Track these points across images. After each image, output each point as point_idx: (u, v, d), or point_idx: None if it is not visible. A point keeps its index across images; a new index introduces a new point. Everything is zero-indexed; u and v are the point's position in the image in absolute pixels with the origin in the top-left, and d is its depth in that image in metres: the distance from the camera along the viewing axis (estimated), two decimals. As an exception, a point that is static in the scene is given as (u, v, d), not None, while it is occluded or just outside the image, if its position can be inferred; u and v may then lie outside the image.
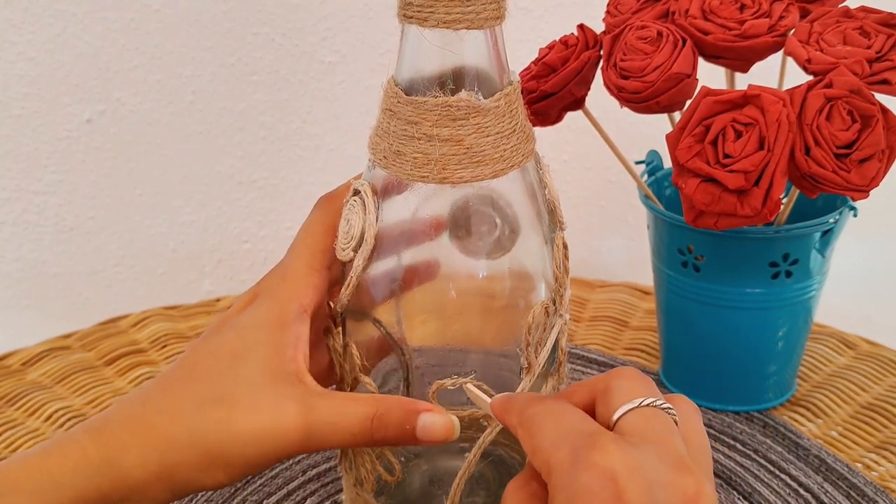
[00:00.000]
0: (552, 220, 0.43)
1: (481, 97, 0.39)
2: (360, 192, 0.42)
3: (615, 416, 0.34)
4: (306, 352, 0.40)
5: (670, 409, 0.35)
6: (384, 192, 0.42)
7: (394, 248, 0.42)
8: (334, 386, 0.46)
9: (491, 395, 0.41)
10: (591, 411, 0.36)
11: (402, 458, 0.46)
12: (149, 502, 0.39)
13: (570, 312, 0.46)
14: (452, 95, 0.39)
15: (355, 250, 0.41)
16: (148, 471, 0.38)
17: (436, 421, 0.40)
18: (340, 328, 0.45)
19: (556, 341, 0.43)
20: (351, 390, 0.45)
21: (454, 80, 0.39)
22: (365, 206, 0.41)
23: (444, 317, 0.43)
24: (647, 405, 0.34)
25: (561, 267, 0.43)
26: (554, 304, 0.43)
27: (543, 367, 0.42)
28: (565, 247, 0.43)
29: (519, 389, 0.42)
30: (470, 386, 0.40)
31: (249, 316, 0.41)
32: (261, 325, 0.40)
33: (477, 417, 0.42)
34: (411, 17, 0.39)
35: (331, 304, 0.44)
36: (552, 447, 0.33)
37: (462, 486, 0.42)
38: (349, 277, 0.42)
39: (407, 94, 0.40)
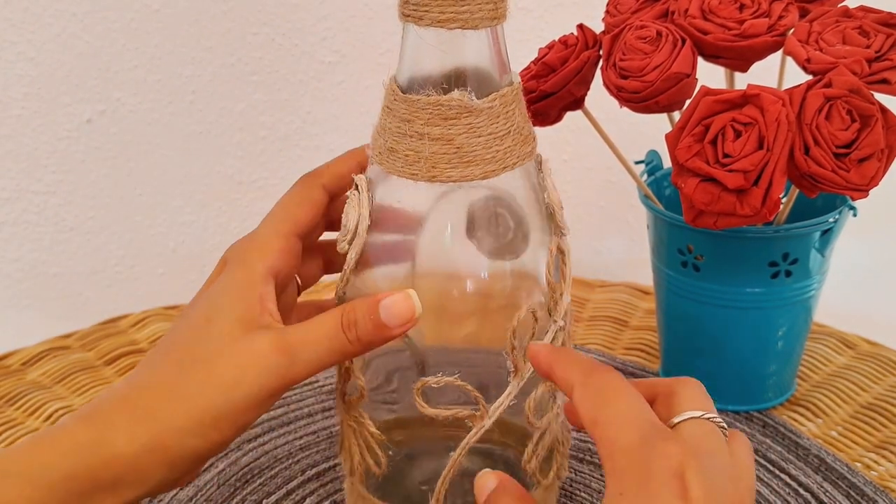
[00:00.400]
0: (551, 224, 0.43)
1: (474, 97, 0.39)
2: (357, 186, 0.42)
3: (676, 420, 0.36)
4: (274, 309, 0.41)
5: (725, 428, 0.36)
6: (385, 185, 0.42)
7: (399, 240, 0.42)
8: None
9: (475, 397, 0.41)
10: None
11: (391, 452, 0.46)
12: (148, 481, 0.39)
13: (570, 318, 0.45)
14: (439, 95, 0.39)
15: (350, 243, 0.42)
16: (138, 443, 0.38)
17: (395, 299, 0.40)
18: None
19: None
20: (344, 383, 0.46)
21: (448, 80, 0.39)
22: (360, 200, 0.42)
23: (447, 316, 0.43)
24: (709, 419, 0.36)
25: (556, 273, 0.43)
26: (548, 310, 0.43)
27: (532, 373, 0.42)
28: (562, 252, 0.43)
29: (506, 393, 0.42)
30: None
31: (219, 283, 0.42)
32: (230, 288, 0.41)
33: (461, 418, 0.42)
34: (409, 16, 0.39)
35: (338, 294, 0.44)
36: (623, 425, 0.34)
37: (446, 485, 0.42)
38: (343, 270, 0.43)
39: (404, 92, 0.40)
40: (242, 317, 0.40)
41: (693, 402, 0.37)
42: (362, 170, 0.44)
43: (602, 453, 0.34)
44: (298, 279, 0.48)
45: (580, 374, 0.37)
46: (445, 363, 0.43)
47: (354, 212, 0.42)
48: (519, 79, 0.42)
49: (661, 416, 0.36)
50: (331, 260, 0.49)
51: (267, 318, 0.40)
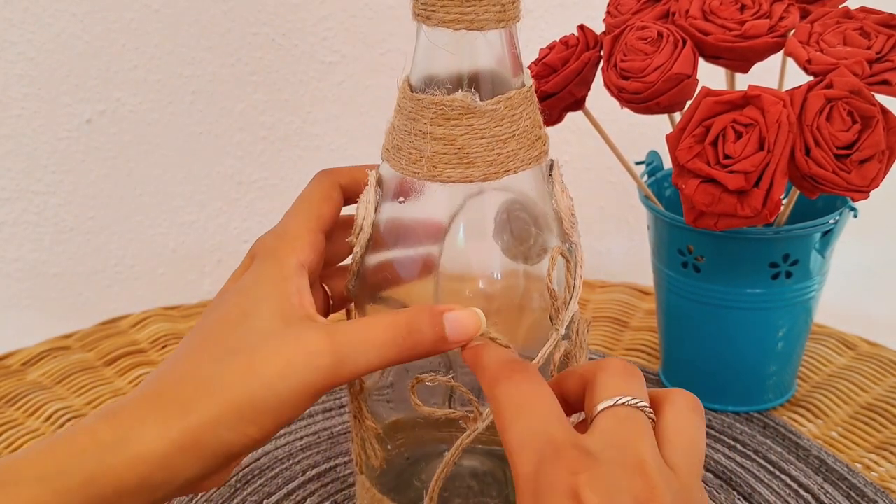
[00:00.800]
0: (558, 231, 0.43)
1: (478, 99, 0.39)
2: (368, 181, 0.43)
3: (595, 412, 0.34)
4: (311, 302, 0.39)
5: (647, 408, 0.34)
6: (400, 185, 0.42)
7: (417, 237, 0.42)
8: None
9: (469, 399, 0.40)
10: (581, 400, 0.36)
11: (389, 447, 0.46)
12: (175, 480, 0.36)
13: (585, 329, 0.44)
14: (448, 95, 0.39)
15: (357, 237, 0.42)
16: (168, 439, 0.35)
17: (462, 314, 0.38)
18: (353, 311, 0.45)
19: (550, 356, 0.42)
20: None
21: (455, 81, 0.39)
22: (368, 195, 0.42)
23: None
24: (623, 404, 0.34)
25: (559, 281, 0.43)
26: (550, 317, 0.43)
27: None
28: (568, 260, 0.43)
29: None
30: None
31: (251, 275, 0.40)
32: (264, 281, 0.39)
33: (455, 418, 0.42)
34: (418, 15, 0.39)
35: (348, 287, 0.44)
36: (519, 448, 0.33)
37: (440, 484, 0.42)
38: (351, 263, 0.43)
39: (413, 91, 0.40)
40: (281, 308, 0.38)
41: (608, 389, 0.35)
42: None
43: (511, 470, 0.33)
44: (328, 289, 0.46)
45: (488, 383, 0.35)
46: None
47: (363, 206, 0.42)
48: (531, 81, 0.42)
49: (588, 410, 0.35)
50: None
51: (305, 309, 0.38)
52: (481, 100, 0.39)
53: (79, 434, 0.35)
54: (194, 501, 0.56)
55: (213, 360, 0.36)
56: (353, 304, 0.46)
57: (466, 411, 0.42)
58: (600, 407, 0.34)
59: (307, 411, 0.64)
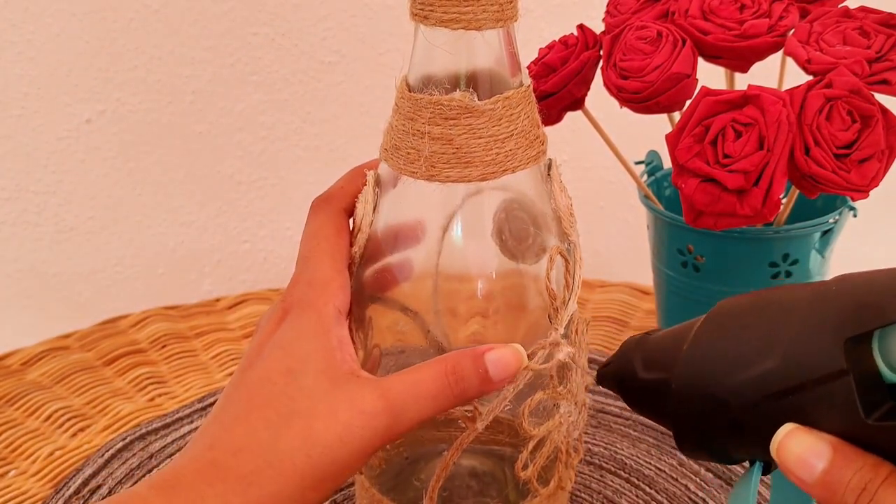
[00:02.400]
0: (557, 230, 0.43)
1: (476, 98, 0.39)
2: (366, 181, 0.43)
3: None
4: (353, 351, 0.39)
5: None
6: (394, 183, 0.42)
7: (415, 237, 0.42)
8: None
9: None
10: None
11: (388, 447, 0.46)
12: None
13: (584, 330, 0.44)
14: (447, 94, 0.39)
15: (356, 237, 0.42)
16: None
17: (503, 353, 0.38)
18: (352, 311, 0.45)
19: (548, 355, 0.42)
20: None
21: (453, 80, 0.39)
22: (366, 196, 0.42)
23: (468, 317, 0.43)
24: None
25: (558, 281, 0.42)
26: (549, 317, 0.43)
27: (530, 378, 0.42)
28: (567, 260, 0.43)
29: (500, 398, 0.42)
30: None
31: (290, 330, 0.39)
32: (306, 335, 0.38)
33: (454, 418, 0.42)
34: (416, 15, 0.39)
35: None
36: None
37: (440, 483, 0.42)
38: (350, 264, 0.43)
39: (411, 91, 0.40)
40: (326, 365, 0.37)
41: None
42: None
43: None
44: None
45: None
46: None
47: (361, 206, 0.42)
48: (530, 81, 0.42)
49: None
50: None
51: (349, 364, 0.38)
52: (479, 99, 0.39)
53: None
54: None
55: (267, 427, 0.36)
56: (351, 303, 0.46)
57: (466, 411, 0.42)
58: None
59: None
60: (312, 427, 0.35)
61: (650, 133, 0.63)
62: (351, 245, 0.43)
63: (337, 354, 0.38)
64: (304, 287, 0.40)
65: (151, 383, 0.69)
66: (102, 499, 0.44)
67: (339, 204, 0.43)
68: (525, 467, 0.44)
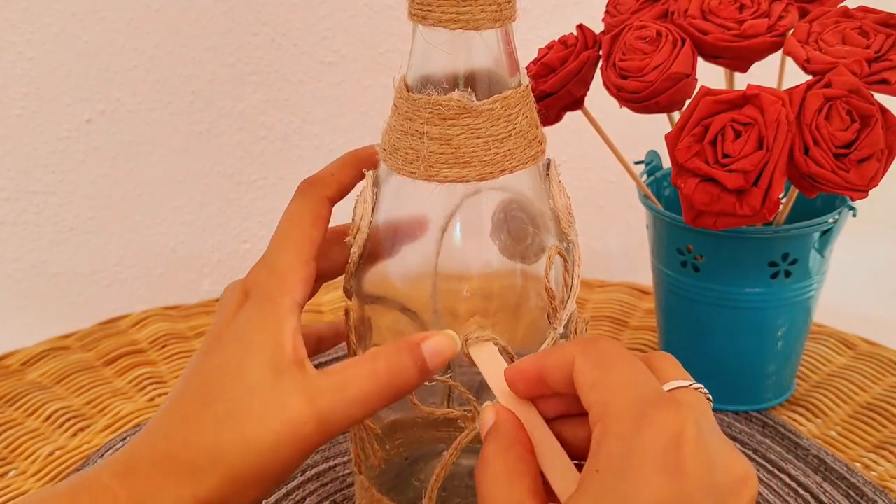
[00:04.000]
0: (555, 230, 0.43)
1: (474, 98, 0.39)
2: (366, 181, 0.43)
3: (666, 388, 0.33)
4: (301, 345, 0.40)
5: (710, 399, 0.34)
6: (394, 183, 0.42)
7: (413, 235, 0.42)
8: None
9: (468, 398, 0.40)
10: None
11: (388, 447, 0.46)
12: None
13: (584, 328, 0.44)
14: (445, 94, 0.39)
15: (355, 238, 0.42)
16: None
17: (438, 341, 0.39)
18: (351, 311, 0.45)
19: None
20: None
21: (452, 80, 0.39)
22: (365, 196, 0.42)
23: (466, 316, 0.43)
24: (695, 388, 0.33)
25: (557, 280, 0.43)
26: (548, 316, 0.43)
27: None
28: (565, 259, 0.43)
29: None
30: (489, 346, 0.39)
31: (246, 321, 0.40)
32: (258, 327, 0.40)
33: (453, 418, 0.42)
34: (414, 15, 0.39)
35: (346, 287, 0.44)
36: (620, 389, 0.31)
37: (439, 483, 0.42)
38: (348, 264, 0.43)
39: (409, 91, 0.40)
40: (273, 359, 0.38)
41: (677, 373, 0.34)
42: (361, 176, 0.44)
43: (591, 420, 0.31)
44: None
45: (578, 346, 0.34)
46: (468, 363, 0.43)
47: (360, 207, 0.42)
48: (528, 81, 0.42)
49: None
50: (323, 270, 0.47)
51: (297, 354, 0.39)
52: (478, 99, 0.39)
53: (99, 495, 0.36)
54: None
55: (214, 423, 0.38)
56: (350, 303, 0.46)
57: (465, 410, 0.42)
58: (676, 384, 0.33)
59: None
60: (247, 432, 0.37)
61: (650, 133, 0.63)
62: (349, 245, 0.43)
63: (287, 345, 0.39)
64: (265, 274, 0.41)
65: (151, 383, 0.69)
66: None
67: (325, 191, 0.43)
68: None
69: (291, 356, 0.39)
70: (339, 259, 0.45)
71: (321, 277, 0.45)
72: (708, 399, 0.34)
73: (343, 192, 0.44)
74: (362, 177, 0.44)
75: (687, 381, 0.34)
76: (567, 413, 0.36)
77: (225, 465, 0.37)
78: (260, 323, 0.40)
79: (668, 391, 0.33)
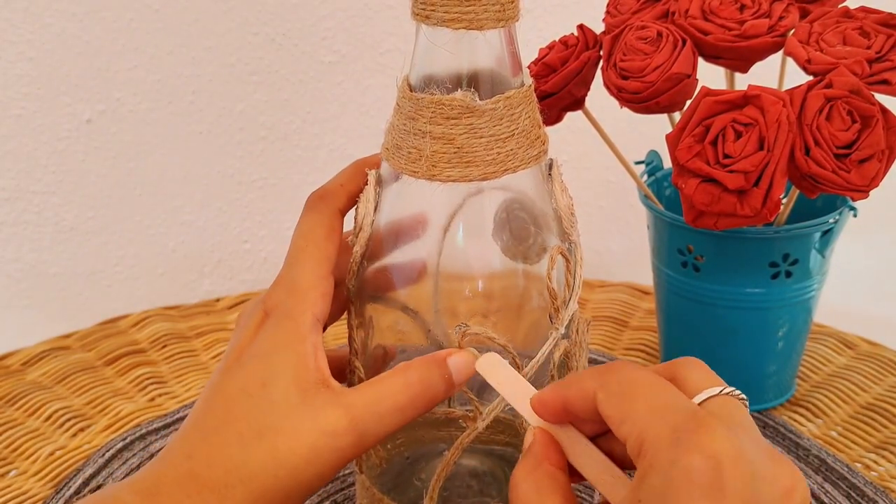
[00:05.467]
0: (557, 230, 0.43)
1: (478, 98, 0.39)
2: (368, 181, 0.43)
3: (697, 401, 0.33)
4: (324, 359, 0.40)
5: (745, 400, 0.34)
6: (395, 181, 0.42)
7: (416, 234, 0.42)
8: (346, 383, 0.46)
9: (470, 398, 0.40)
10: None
11: (389, 446, 0.46)
12: None
13: (585, 329, 0.44)
14: (448, 94, 0.39)
15: (357, 237, 0.42)
16: None
17: (461, 358, 0.39)
18: (353, 310, 0.45)
19: (550, 355, 0.42)
20: (352, 374, 0.46)
21: (455, 80, 0.39)
22: (367, 196, 0.42)
23: (468, 316, 0.43)
24: (728, 394, 0.33)
25: (559, 280, 0.43)
26: (549, 316, 0.43)
27: (531, 377, 0.42)
28: (567, 260, 0.43)
29: (500, 397, 0.42)
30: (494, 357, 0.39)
31: (267, 340, 0.40)
32: (281, 346, 0.39)
33: (455, 417, 0.42)
34: (418, 15, 0.39)
35: (347, 286, 0.44)
36: (650, 418, 0.31)
37: (440, 483, 0.42)
38: (350, 263, 0.43)
39: (412, 91, 0.40)
40: (298, 380, 0.38)
41: (706, 380, 0.34)
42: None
43: (631, 454, 0.31)
44: None
45: (597, 378, 0.34)
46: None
47: (362, 207, 0.42)
48: (531, 81, 0.42)
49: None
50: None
51: (321, 372, 0.39)
52: (480, 99, 0.39)
53: None
54: None
55: (240, 441, 0.37)
56: (351, 302, 0.46)
57: (466, 410, 0.42)
58: (707, 393, 0.33)
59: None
60: (279, 447, 0.37)
61: (650, 133, 0.63)
62: (351, 245, 0.43)
63: (310, 363, 0.39)
64: (284, 292, 0.41)
65: (152, 383, 0.69)
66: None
67: (335, 203, 0.43)
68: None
69: (315, 374, 0.39)
70: (347, 266, 0.44)
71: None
72: (743, 402, 0.33)
73: (352, 203, 0.44)
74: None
75: (717, 386, 0.33)
76: (602, 432, 0.36)
77: (254, 483, 0.37)
78: (282, 340, 0.39)
79: (700, 404, 0.32)
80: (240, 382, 0.39)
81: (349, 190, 0.43)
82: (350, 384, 0.46)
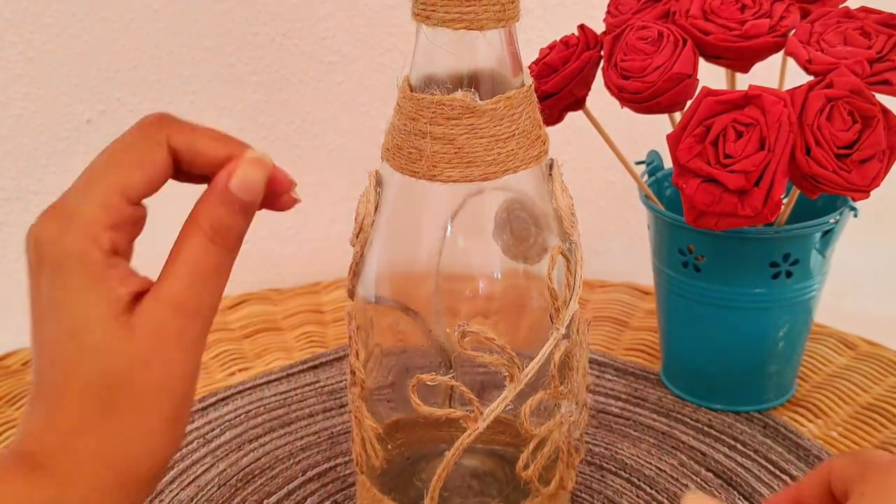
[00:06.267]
0: (558, 230, 0.43)
1: (478, 98, 0.39)
2: (368, 181, 0.43)
3: None
4: (135, 281, 0.36)
5: None
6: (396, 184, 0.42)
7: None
8: None
9: (470, 399, 0.39)
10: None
11: (389, 447, 0.46)
12: None
13: (586, 329, 0.44)
14: (449, 94, 0.39)
15: (357, 237, 0.42)
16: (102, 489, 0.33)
17: (245, 172, 0.35)
18: (353, 310, 0.45)
19: (550, 355, 0.42)
20: (353, 375, 0.45)
21: (456, 80, 0.39)
22: (368, 196, 0.42)
23: (469, 316, 0.43)
24: None
25: (559, 280, 0.42)
26: (550, 317, 0.43)
27: (532, 377, 0.42)
28: (568, 260, 0.43)
29: (501, 398, 0.41)
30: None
31: (59, 289, 0.36)
32: (78, 290, 0.35)
33: (455, 418, 0.42)
34: (418, 15, 0.39)
35: (348, 287, 0.44)
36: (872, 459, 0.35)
37: (441, 484, 0.42)
38: (351, 264, 0.43)
39: (413, 91, 0.40)
40: (114, 310, 0.34)
41: None
42: (226, 171, 0.36)
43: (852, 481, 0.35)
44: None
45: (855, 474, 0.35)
46: (470, 363, 0.43)
47: (362, 207, 0.42)
48: (531, 81, 0.42)
49: None
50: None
51: (133, 289, 0.35)
52: (481, 99, 0.39)
53: (3, 488, 0.31)
54: (195, 501, 0.55)
55: (96, 401, 0.33)
56: (352, 302, 0.46)
57: (467, 411, 0.42)
58: None
59: (308, 412, 0.64)
60: (139, 388, 0.33)
61: (651, 133, 0.63)
62: (351, 245, 0.43)
63: (117, 289, 0.35)
64: (56, 230, 0.36)
65: (152, 383, 0.69)
66: None
67: (167, 134, 0.36)
68: (526, 467, 0.44)
69: (125, 300, 0.35)
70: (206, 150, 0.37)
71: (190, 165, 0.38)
72: None
73: (195, 157, 0.37)
74: (228, 158, 0.37)
75: None
76: None
77: (142, 411, 0.33)
78: (78, 288, 0.35)
79: None
80: (56, 342, 0.35)
81: (193, 138, 0.37)
82: (351, 385, 0.46)
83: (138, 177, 0.36)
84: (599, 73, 0.57)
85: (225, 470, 0.58)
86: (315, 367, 0.69)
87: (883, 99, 0.50)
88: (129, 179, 0.35)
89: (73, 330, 0.34)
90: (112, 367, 0.33)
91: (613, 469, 0.58)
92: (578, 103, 0.59)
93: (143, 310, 0.34)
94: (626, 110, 0.56)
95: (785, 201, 0.57)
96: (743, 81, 0.56)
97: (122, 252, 0.36)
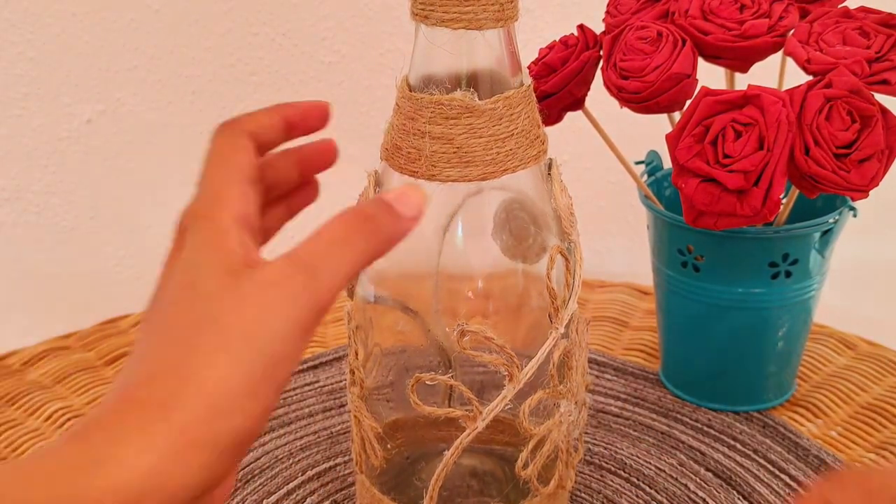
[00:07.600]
0: (557, 230, 0.43)
1: (477, 98, 0.39)
2: (367, 181, 0.43)
3: None
4: (257, 252, 0.35)
5: None
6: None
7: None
8: None
9: (469, 398, 0.39)
10: None
11: (389, 446, 0.47)
12: (173, 498, 0.30)
13: (584, 329, 0.44)
14: (447, 94, 0.39)
15: None
16: (155, 452, 0.29)
17: (403, 191, 0.35)
18: (353, 310, 0.45)
19: (549, 355, 0.43)
20: (353, 375, 0.45)
21: (454, 80, 0.39)
22: (366, 195, 0.42)
23: (468, 316, 0.43)
24: None
25: (559, 280, 0.43)
26: (549, 316, 0.43)
27: (531, 377, 0.42)
28: (567, 259, 0.43)
29: (500, 397, 0.42)
30: None
31: (188, 249, 0.35)
32: (200, 246, 0.35)
33: (454, 417, 0.42)
34: (417, 15, 0.39)
35: (348, 287, 0.44)
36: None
37: (440, 483, 0.42)
38: None
39: (412, 91, 0.40)
40: (229, 264, 0.33)
41: None
42: (287, 124, 0.39)
43: None
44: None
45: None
46: (469, 363, 0.43)
47: None
48: (530, 80, 0.42)
49: None
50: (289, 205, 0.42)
51: (253, 259, 0.34)
52: (480, 99, 0.39)
53: (45, 458, 0.29)
54: (194, 501, 0.55)
55: (178, 343, 0.31)
56: (352, 302, 0.46)
57: (466, 410, 0.42)
58: None
59: (308, 411, 0.64)
60: (226, 325, 0.31)
61: (650, 133, 0.63)
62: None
63: (239, 251, 0.34)
64: (196, 205, 0.37)
65: (151, 383, 0.69)
66: None
67: (241, 126, 0.39)
68: (525, 466, 0.44)
69: (247, 259, 0.34)
70: (286, 170, 0.41)
71: (274, 188, 0.41)
72: None
73: (266, 132, 0.39)
74: (285, 124, 0.39)
75: None
76: None
77: (209, 378, 0.30)
78: (201, 242, 0.35)
79: None
80: (167, 293, 0.34)
81: (257, 118, 0.39)
82: (351, 384, 0.47)
83: (241, 156, 0.38)
84: (599, 73, 0.57)
85: (225, 469, 0.58)
86: (315, 366, 0.70)
87: (882, 99, 0.50)
88: (235, 160, 0.37)
89: (192, 282, 0.33)
90: (206, 313, 0.32)
91: (613, 469, 0.58)
92: (578, 103, 0.59)
93: (262, 264, 0.33)
94: (626, 110, 0.56)
95: (784, 201, 0.57)
96: (742, 81, 0.56)
97: (250, 224, 0.36)
